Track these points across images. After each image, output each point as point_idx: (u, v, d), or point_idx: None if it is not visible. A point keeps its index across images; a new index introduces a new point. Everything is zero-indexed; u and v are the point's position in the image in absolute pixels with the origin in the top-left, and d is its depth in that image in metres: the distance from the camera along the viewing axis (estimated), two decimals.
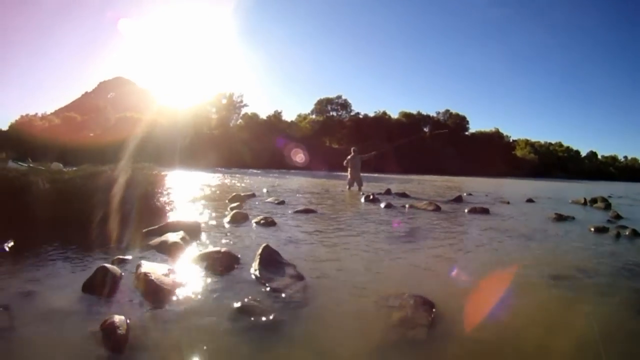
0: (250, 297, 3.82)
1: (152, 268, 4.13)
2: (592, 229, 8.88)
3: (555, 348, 3.24)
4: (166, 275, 4.11)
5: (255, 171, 37.32)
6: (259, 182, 21.65)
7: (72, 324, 3.15)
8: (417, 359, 3.01)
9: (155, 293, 3.74)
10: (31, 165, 8.28)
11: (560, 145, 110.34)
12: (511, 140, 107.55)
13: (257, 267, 4.57)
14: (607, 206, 14.66)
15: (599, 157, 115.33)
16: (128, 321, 3.04)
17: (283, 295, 3.98)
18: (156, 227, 6.54)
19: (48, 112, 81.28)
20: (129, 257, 4.92)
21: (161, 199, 8.64)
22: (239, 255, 5.10)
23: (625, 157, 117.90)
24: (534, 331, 3.53)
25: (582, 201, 16.22)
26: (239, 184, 19.71)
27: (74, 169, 8.10)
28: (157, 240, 5.69)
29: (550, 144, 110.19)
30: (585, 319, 3.74)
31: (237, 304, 3.60)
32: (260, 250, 4.90)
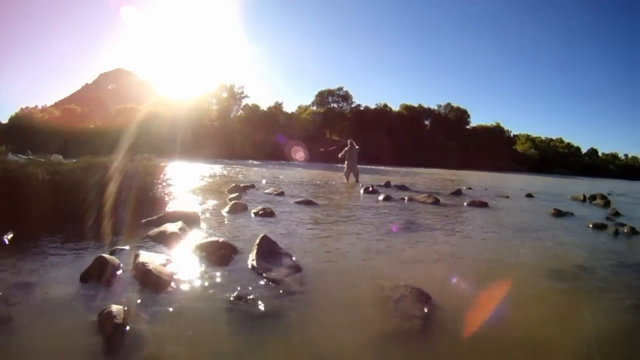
0: (247, 287, 3.85)
1: (150, 258, 4.15)
2: (591, 226, 8.90)
3: (550, 341, 3.26)
4: (164, 265, 4.14)
5: (255, 162, 37.30)
6: (258, 173, 21.62)
7: (69, 314, 3.17)
8: (412, 350, 3.03)
9: (152, 283, 3.75)
10: (31, 157, 8.28)
11: (561, 141, 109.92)
12: (512, 135, 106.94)
13: (254, 257, 4.58)
14: (607, 203, 14.64)
15: (600, 154, 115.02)
16: (126, 310, 3.05)
17: (280, 285, 4.00)
18: (155, 217, 6.56)
19: (48, 105, 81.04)
20: (127, 247, 4.93)
21: (160, 189, 8.64)
22: (237, 246, 5.13)
23: (626, 155, 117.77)
24: (528, 324, 3.55)
25: (582, 198, 16.19)
26: (238, 175, 19.68)
27: (74, 160, 8.09)
28: (155, 230, 5.70)
29: (551, 139, 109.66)
30: (581, 314, 3.77)
31: (233, 294, 3.63)
32: (258, 241, 4.92)
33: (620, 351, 3.24)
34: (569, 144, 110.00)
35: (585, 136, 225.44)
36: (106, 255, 4.14)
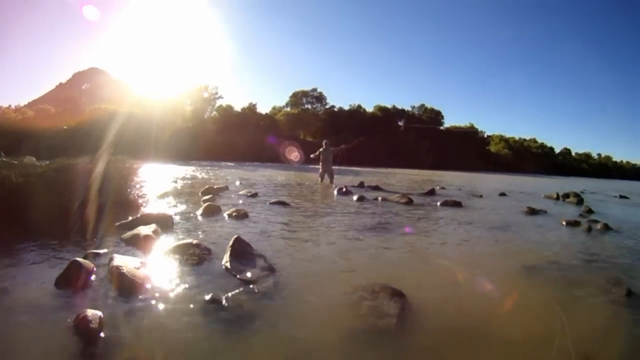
0: (221, 289, 3.88)
1: (124, 261, 4.14)
2: (564, 223, 9.10)
3: (523, 336, 3.35)
4: (138, 268, 4.13)
5: (229, 164, 37.08)
6: (232, 175, 21.37)
7: (45, 320, 3.15)
8: (387, 348, 3.10)
9: (127, 286, 3.76)
10: (4, 159, 8.17)
11: (535, 141, 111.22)
12: (485, 136, 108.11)
13: (228, 258, 4.63)
14: (580, 201, 14.96)
15: (573, 154, 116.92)
16: (101, 315, 3.05)
17: (254, 286, 4.04)
18: (129, 220, 6.53)
19: (22, 104, 79.50)
20: (101, 251, 4.88)
21: (134, 192, 8.59)
22: (211, 247, 5.15)
23: (599, 155, 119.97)
24: (502, 320, 3.65)
25: (555, 196, 16.49)
26: (212, 177, 19.48)
27: (47, 162, 8.01)
28: (129, 233, 5.68)
29: (525, 139, 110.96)
30: (554, 310, 3.85)
31: (208, 296, 3.65)
32: (231, 242, 4.95)
33: (593, 343, 3.33)
34: (542, 144, 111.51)
35: (559, 137, 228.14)
36: (80, 259, 4.11)
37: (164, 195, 10.38)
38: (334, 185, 15.82)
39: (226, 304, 3.56)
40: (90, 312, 3.02)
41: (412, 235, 7.12)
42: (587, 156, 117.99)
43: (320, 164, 17.71)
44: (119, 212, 7.13)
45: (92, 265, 4.20)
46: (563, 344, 3.16)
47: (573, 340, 3.19)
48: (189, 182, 15.98)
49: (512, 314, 3.85)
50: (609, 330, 3.65)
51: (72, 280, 3.84)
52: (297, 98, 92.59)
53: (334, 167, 18.17)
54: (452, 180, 28.88)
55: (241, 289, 3.95)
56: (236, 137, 65.47)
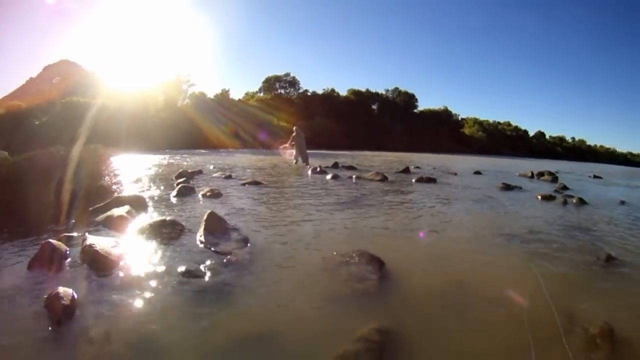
0: (196, 262, 3.90)
1: (98, 240, 4.12)
2: (540, 197, 9.32)
3: (501, 300, 3.44)
4: (112, 246, 4.10)
5: (202, 151, 36.77)
6: (206, 160, 21.06)
7: (18, 302, 3.13)
8: (368, 310, 3.17)
9: (101, 263, 3.75)
10: None
11: (509, 124, 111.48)
12: (460, 119, 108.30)
13: (202, 233, 4.65)
14: (554, 179, 15.23)
15: (547, 137, 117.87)
16: (74, 292, 3.05)
17: (229, 257, 4.07)
18: (102, 204, 6.45)
19: None
20: (75, 234, 4.81)
21: (108, 178, 8.51)
22: (185, 224, 5.14)
23: (573, 138, 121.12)
24: (480, 282, 3.74)
25: (530, 174, 16.64)
26: (186, 163, 19.20)
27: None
28: (103, 215, 5.62)
29: (499, 123, 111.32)
30: (531, 274, 3.94)
31: (182, 269, 3.67)
32: (205, 217, 4.97)
33: (568, 301, 3.44)
34: (516, 127, 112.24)
35: (533, 120, 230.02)
36: (53, 241, 4.07)
37: (137, 181, 10.26)
38: (309, 166, 15.77)
39: (202, 276, 3.59)
40: (62, 289, 3.02)
41: (388, 208, 7.17)
42: (561, 139, 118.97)
43: (295, 149, 17.65)
44: (93, 198, 7.02)
45: (65, 246, 4.16)
46: (540, 300, 3.25)
47: (553, 298, 3.27)
48: (163, 168, 15.72)
49: (490, 276, 3.95)
50: (590, 290, 3.77)
51: (45, 262, 3.80)
52: (270, 83, 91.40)
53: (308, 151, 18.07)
54: (427, 161, 28.92)
55: (216, 260, 3.97)
56: (210, 124, 64.83)
